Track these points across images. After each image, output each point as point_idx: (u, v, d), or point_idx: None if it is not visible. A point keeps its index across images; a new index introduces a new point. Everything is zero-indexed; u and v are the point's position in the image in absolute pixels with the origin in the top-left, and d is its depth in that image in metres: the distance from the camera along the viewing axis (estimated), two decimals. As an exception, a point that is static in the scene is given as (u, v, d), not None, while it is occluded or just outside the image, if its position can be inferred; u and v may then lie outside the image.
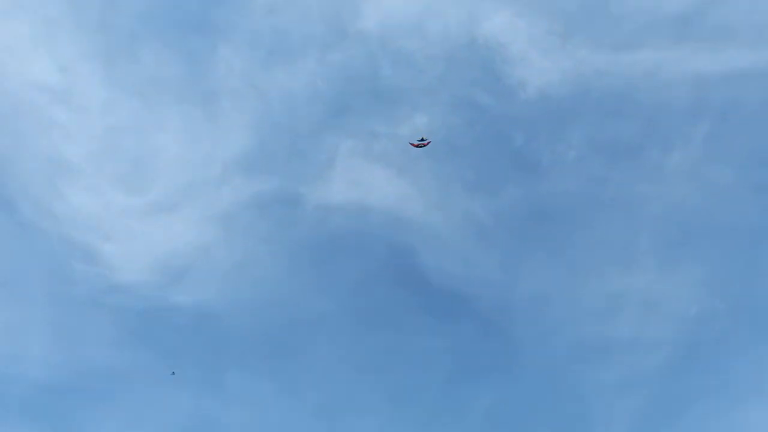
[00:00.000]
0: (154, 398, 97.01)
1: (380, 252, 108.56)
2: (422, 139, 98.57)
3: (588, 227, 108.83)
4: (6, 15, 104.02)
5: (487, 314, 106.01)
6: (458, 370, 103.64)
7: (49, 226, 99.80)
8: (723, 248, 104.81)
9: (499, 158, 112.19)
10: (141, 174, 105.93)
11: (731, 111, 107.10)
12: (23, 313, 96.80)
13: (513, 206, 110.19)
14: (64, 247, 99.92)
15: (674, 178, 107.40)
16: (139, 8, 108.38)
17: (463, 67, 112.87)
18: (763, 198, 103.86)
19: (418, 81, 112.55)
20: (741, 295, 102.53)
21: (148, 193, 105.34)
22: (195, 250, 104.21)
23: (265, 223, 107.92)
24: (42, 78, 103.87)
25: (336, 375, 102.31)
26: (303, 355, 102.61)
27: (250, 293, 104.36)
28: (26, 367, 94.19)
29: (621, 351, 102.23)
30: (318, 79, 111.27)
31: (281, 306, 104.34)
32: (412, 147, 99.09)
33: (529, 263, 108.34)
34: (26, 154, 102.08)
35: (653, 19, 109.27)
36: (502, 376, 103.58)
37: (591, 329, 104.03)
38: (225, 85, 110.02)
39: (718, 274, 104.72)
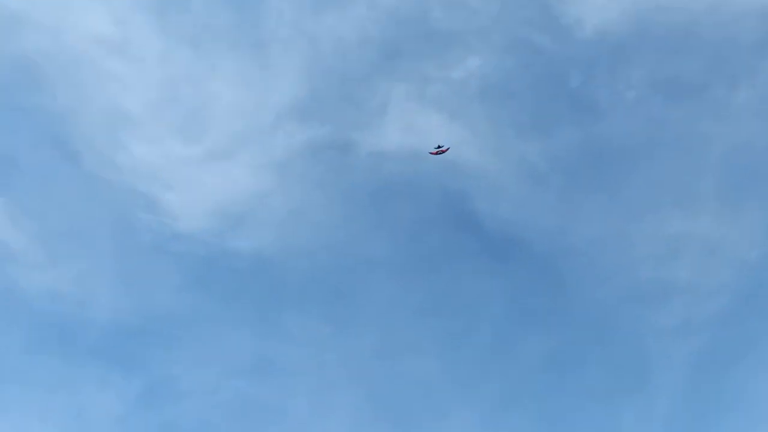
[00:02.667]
0: (216, 340, 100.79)
1: (434, 197, 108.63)
2: (439, 147, 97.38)
3: (648, 169, 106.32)
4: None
5: (543, 259, 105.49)
6: (513, 313, 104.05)
7: (112, 177, 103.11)
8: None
9: (555, 100, 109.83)
10: (197, 123, 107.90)
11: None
12: (92, 261, 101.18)
13: (569, 149, 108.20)
14: (128, 197, 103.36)
15: (740, 117, 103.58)
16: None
17: (517, 6, 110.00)
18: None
19: (471, 22, 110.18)
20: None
21: (205, 142, 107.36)
22: (252, 196, 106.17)
23: (319, 170, 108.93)
24: (99, 30, 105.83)
25: (392, 318, 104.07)
26: (359, 299, 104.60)
27: (307, 238, 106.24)
28: (96, 311, 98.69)
29: (679, 295, 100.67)
30: (368, 24, 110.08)
31: (337, 251, 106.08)
32: (432, 155, 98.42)
33: (585, 207, 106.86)
34: (87, 106, 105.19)
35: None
36: (557, 320, 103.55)
37: (649, 273, 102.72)
38: (276, 33, 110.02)
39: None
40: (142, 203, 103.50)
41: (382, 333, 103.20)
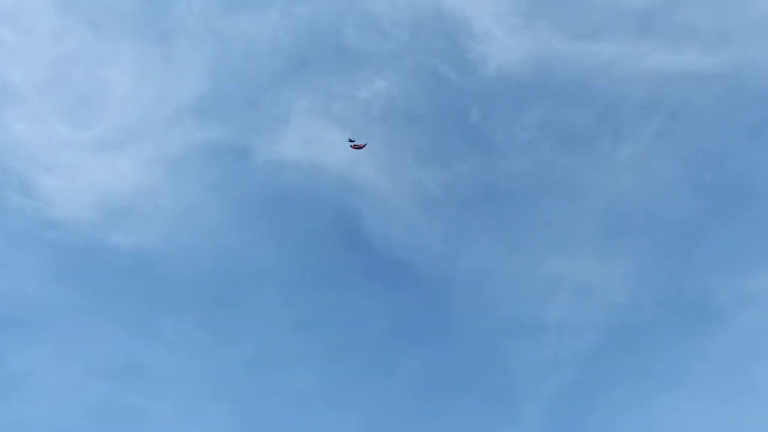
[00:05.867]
0: (82, 336, 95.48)
1: (327, 212, 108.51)
2: (352, 140, 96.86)
3: (533, 209, 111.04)
4: None
5: (427, 284, 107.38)
6: (394, 334, 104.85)
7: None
8: (658, 242, 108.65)
9: (455, 131, 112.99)
10: (88, 107, 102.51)
11: (683, 109, 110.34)
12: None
13: (462, 180, 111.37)
14: (1, 177, 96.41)
15: (621, 170, 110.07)
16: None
17: (428, 36, 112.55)
18: (703, 197, 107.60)
19: (382, 45, 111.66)
20: (669, 290, 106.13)
21: (95, 128, 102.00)
22: (139, 191, 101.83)
23: (214, 171, 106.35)
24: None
25: (273, 329, 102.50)
26: (241, 307, 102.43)
27: (193, 240, 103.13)
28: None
29: (552, 332, 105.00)
30: (281, 31, 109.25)
31: (224, 256, 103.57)
32: (351, 147, 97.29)
33: (472, 238, 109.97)
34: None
35: (618, 12, 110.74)
36: (435, 344, 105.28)
37: (526, 308, 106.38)
38: (183, 25, 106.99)
39: (650, 266, 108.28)
40: (15, 185, 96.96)
41: (260, 344, 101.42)
